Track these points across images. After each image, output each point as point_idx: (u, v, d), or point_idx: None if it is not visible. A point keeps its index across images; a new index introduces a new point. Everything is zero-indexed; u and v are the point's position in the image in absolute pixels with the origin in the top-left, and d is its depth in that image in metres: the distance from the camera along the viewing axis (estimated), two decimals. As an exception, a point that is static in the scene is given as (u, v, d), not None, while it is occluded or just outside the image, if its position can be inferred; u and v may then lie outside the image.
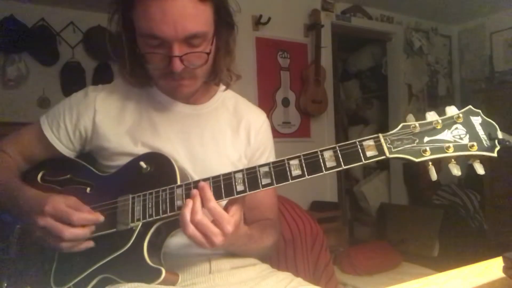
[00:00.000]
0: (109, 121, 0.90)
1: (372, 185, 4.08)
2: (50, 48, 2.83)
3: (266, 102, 3.03)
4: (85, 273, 0.79)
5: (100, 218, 0.78)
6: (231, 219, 0.71)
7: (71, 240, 0.74)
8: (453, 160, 0.65)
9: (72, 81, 2.84)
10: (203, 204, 0.70)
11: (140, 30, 0.78)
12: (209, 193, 0.71)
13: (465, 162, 0.66)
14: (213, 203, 0.70)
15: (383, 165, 4.16)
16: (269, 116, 3.11)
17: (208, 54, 0.81)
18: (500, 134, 0.63)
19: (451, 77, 4.33)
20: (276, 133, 2.99)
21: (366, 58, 4.49)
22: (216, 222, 0.70)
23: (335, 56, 3.60)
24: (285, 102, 3.20)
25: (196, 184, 0.75)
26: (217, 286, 0.85)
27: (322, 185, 3.34)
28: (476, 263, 0.72)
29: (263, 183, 0.71)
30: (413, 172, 3.77)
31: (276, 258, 1.22)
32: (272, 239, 0.95)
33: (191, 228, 0.70)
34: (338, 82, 4.11)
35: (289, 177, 0.70)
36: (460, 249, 2.96)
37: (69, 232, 0.73)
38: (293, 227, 1.32)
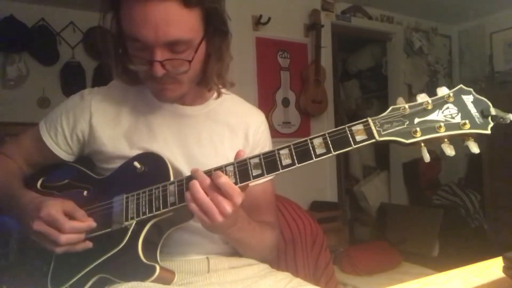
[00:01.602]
0: (105, 124, 0.90)
1: (372, 185, 4.08)
2: (50, 48, 2.84)
3: (266, 102, 3.02)
4: (81, 274, 0.79)
5: (92, 224, 0.79)
6: (241, 192, 0.71)
7: (66, 245, 0.76)
8: (446, 140, 0.64)
9: (72, 81, 2.85)
10: (214, 180, 0.70)
11: (125, 32, 0.78)
12: (219, 172, 0.71)
13: (460, 142, 0.64)
14: (224, 178, 0.70)
15: (383, 165, 4.16)
16: (269, 116, 3.13)
17: (189, 62, 0.79)
18: (493, 111, 0.62)
19: (451, 77, 4.33)
20: (276, 133, 2.99)
21: (366, 58, 4.49)
22: (226, 194, 0.70)
23: (335, 56, 3.60)
24: (285, 102, 3.19)
25: (188, 180, 0.75)
26: (213, 284, 0.85)
27: (322, 185, 3.34)
28: (476, 263, 0.72)
29: (253, 174, 0.71)
30: (413, 172, 3.77)
31: (276, 258, 1.22)
32: (271, 237, 0.95)
33: (202, 194, 0.69)
34: (338, 82, 4.10)
35: (280, 167, 0.70)
36: (460, 249, 2.96)
37: (64, 238, 0.74)
38: (293, 227, 1.32)
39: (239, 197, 0.70)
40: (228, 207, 0.70)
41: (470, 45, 4.23)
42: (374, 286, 2.47)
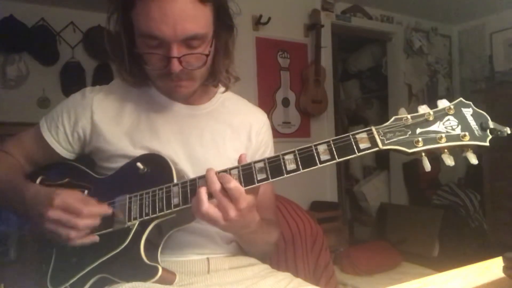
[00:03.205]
0: (107, 122, 0.89)
1: (372, 185, 4.08)
2: (50, 48, 2.83)
3: (266, 102, 3.03)
4: (81, 273, 0.79)
5: (108, 210, 0.79)
6: (246, 196, 0.71)
7: (84, 230, 0.75)
8: (446, 150, 0.66)
9: (72, 81, 2.84)
10: (224, 185, 0.70)
11: (139, 30, 0.78)
12: (229, 176, 0.71)
13: (459, 153, 0.67)
14: (234, 183, 0.70)
15: (383, 165, 4.16)
16: (269, 116, 3.09)
17: (207, 56, 0.81)
18: (491, 124, 0.65)
19: (451, 77, 4.33)
20: (276, 133, 2.98)
21: (366, 58, 4.49)
22: (233, 199, 0.70)
23: (335, 56, 3.60)
24: (285, 102, 3.20)
25: (192, 181, 0.76)
26: (214, 285, 0.85)
27: (322, 185, 3.34)
28: (476, 263, 0.72)
29: (258, 179, 0.72)
30: (413, 172, 3.77)
31: (276, 258, 1.22)
32: (275, 236, 0.96)
33: (206, 205, 0.70)
34: (338, 82, 4.11)
35: (284, 172, 0.70)
36: (460, 249, 2.96)
37: (82, 222, 0.74)
38: (293, 227, 1.32)
39: (244, 203, 0.71)
40: (232, 212, 0.70)
41: (470, 45, 4.23)
42: (374, 286, 2.48)
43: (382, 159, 4.15)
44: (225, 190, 0.70)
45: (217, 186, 0.70)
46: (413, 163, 3.72)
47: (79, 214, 0.74)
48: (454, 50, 4.35)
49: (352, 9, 3.60)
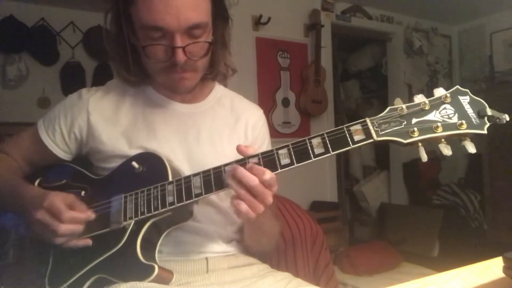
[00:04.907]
0: (103, 123, 0.90)
1: (372, 185, 4.08)
2: (50, 48, 2.83)
3: (266, 102, 3.02)
4: (79, 274, 0.79)
5: (91, 216, 0.79)
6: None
7: (65, 235, 0.76)
8: (443, 140, 0.65)
9: (72, 81, 2.84)
10: (260, 177, 0.68)
11: (141, 23, 0.78)
12: (263, 168, 0.70)
13: (457, 142, 0.65)
14: (268, 173, 0.69)
15: (383, 165, 4.16)
16: (269, 116, 3.12)
17: (210, 43, 0.82)
18: (489, 111, 0.63)
19: (451, 77, 4.33)
20: (276, 133, 3.00)
21: (366, 58, 4.49)
22: (269, 187, 0.70)
23: (335, 56, 3.60)
24: (285, 102, 3.20)
25: (187, 179, 0.75)
26: (212, 285, 0.85)
27: (322, 185, 3.34)
28: (476, 263, 0.72)
29: None
30: (413, 172, 3.77)
31: (276, 258, 1.22)
32: (278, 228, 0.97)
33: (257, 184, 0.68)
34: (338, 82, 4.11)
35: (278, 166, 0.70)
36: (460, 249, 2.96)
37: (63, 227, 0.74)
38: (293, 227, 1.32)
39: (276, 186, 0.71)
40: (270, 198, 0.70)
41: (470, 45, 4.23)
42: (374, 286, 2.48)
43: (382, 159, 4.15)
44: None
45: (256, 180, 0.68)
46: (413, 163, 3.72)
47: (60, 219, 0.74)
48: (454, 50, 4.35)
49: (352, 9, 3.60)
